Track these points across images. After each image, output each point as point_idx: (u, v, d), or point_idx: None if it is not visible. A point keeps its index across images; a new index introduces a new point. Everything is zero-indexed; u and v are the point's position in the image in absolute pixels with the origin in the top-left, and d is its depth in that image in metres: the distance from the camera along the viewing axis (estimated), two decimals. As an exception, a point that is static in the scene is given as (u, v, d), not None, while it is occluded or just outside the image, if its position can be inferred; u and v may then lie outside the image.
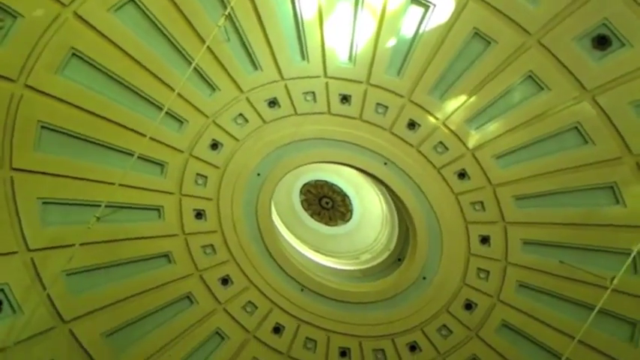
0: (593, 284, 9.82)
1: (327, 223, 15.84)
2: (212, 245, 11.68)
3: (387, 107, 10.78)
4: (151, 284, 10.88)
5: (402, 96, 10.51)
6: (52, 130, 8.87)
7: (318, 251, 15.15)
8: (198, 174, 11.07)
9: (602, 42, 8.15)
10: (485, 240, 11.29)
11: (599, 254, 9.83)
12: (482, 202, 11.04)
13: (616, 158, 9.03)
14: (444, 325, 12.00)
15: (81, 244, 8.86)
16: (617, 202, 9.36)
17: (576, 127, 9.23)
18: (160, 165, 10.57)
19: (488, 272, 11.42)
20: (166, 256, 11.18)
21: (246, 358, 11.86)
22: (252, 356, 11.94)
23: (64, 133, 9.03)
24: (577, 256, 10.08)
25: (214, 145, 10.93)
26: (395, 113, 10.81)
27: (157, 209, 10.87)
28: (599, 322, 9.56)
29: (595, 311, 8.33)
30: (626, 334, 9.79)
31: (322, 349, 12.28)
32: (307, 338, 12.31)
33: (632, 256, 8.46)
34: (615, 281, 8.31)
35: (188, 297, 11.51)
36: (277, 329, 12.22)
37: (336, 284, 12.97)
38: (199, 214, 11.36)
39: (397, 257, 13.63)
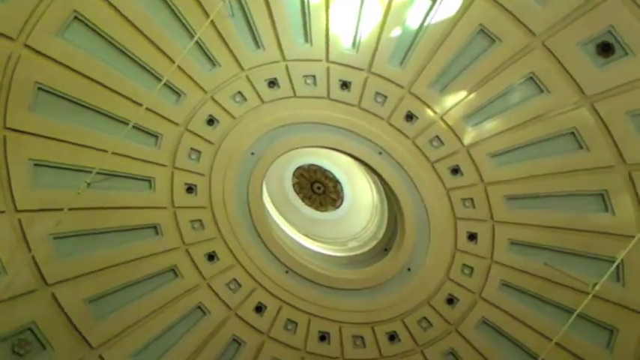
0: (575, 289, 9.93)
1: (317, 208, 15.86)
2: (200, 221, 11.68)
3: (386, 97, 10.76)
4: (137, 254, 10.87)
5: (402, 87, 10.49)
6: (49, 92, 8.79)
7: (306, 235, 15.18)
8: (192, 148, 11.03)
9: (606, 49, 8.14)
10: (472, 237, 11.36)
11: (583, 260, 9.92)
12: (472, 199, 11.10)
13: (609, 166, 9.07)
14: (425, 318, 12.10)
15: (70, 209, 8.82)
16: (607, 209, 9.42)
17: (573, 133, 9.25)
18: (155, 136, 10.51)
19: (472, 269, 11.51)
20: (154, 228, 11.17)
21: (225, 335, 11.91)
22: (232, 333, 11.98)
23: (60, 96, 8.96)
24: (562, 260, 10.16)
25: (210, 121, 10.89)
26: (393, 104, 10.80)
27: (149, 180, 10.84)
28: (578, 326, 9.65)
29: (575, 315, 8.41)
30: (603, 340, 9.91)
31: (302, 332, 12.37)
32: (288, 320, 12.39)
33: (616, 264, 8.52)
34: (597, 287, 8.38)
35: (173, 270, 11.51)
36: (259, 309, 12.28)
37: (322, 269, 13.03)
38: (190, 189, 11.35)
39: (384, 247, 13.67)
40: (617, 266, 8.96)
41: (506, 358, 11.18)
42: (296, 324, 12.40)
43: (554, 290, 10.36)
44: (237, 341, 12.01)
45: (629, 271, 9.27)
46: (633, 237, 8.24)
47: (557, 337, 8.96)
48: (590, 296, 8.54)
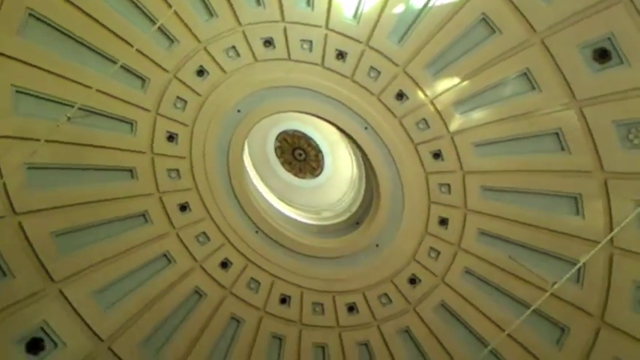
0: (534, 285, 10.22)
1: (296, 175, 15.88)
2: (178, 170, 11.63)
3: (380, 73, 10.75)
4: (110, 195, 10.80)
5: (397, 65, 10.48)
6: (40, 20, 8.56)
7: (281, 199, 15.23)
8: (178, 97, 10.91)
9: (603, 55, 8.19)
10: (443, 222, 11.55)
11: (547, 258, 10.16)
12: (449, 186, 11.25)
13: (587, 172, 9.23)
14: (386, 294, 12.35)
15: (47, 141, 8.66)
16: (577, 213, 9.62)
17: (557, 133, 9.37)
18: (142, 79, 10.35)
19: (439, 253, 11.74)
20: (130, 171, 11.08)
21: (188, 285, 11.96)
22: (195, 285, 12.05)
23: (51, 25, 8.73)
24: (526, 256, 10.41)
25: (200, 72, 10.75)
26: (386, 81, 10.79)
27: (131, 123, 10.71)
28: (532, 321, 9.96)
29: (530, 310, 8.64)
30: (554, 337, 10.21)
31: (264, 292, 12.52)
32: (252, 279, 12.52)
33: (578, 266, 8.75)
34: (556, 286, 8.60)
35: (144, 215, 11.46)
36: (225, 264, 12.36)
37: (292, 234, 13.14)
38: (171, 137, 11.26)
39: (356, 221, 13.81)
40: (579, 269, 9.22)
41: (459, 342, 11.48)
42: (259, 284, 12.54)
43: (515, 284, 10.63)
44: (199, 293, 12.09)
45: (589, 275, 9.52)
46: (598, 243, 8.45)
47: (511, 328, 9.24)
48: (547, 293, 8.77)
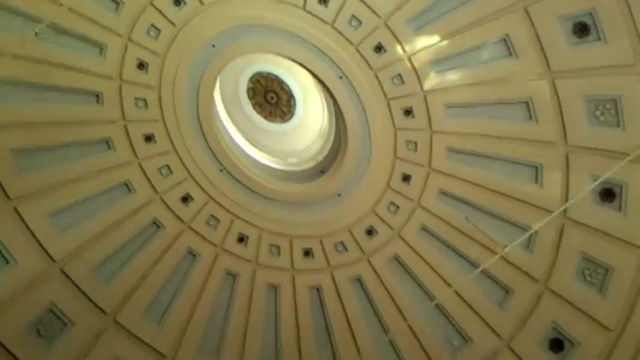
0: (486, 247, 10.60)
1: (266, 118, 15.69)
2: (145, 100, 11.42)
3: (360, 22, 10.63)
4: (74, 118, 10.62)
5: (379, 16, 10.37)
6: None
7: (248, 141, 15.10)
8: (152, 25, 10.60)
9: (582, 29, 8.28)
10: (406, 178, 11.77)
11: (502, 223, 10.53)
12: (416, 144, 11.40)
13: (551, 143, 9.48)
14: (342, 242, 12.60)
15: (12, 55, 8.34)
16: (536, 182, 9.95)
17: (527, 102, 9.55)
18: (116, 2, 10.02)
19: (398, 208, 12.00)
20: (97, 96, 10.84)
21: (147, 216, 11.88)
22: (154, 217, 11.98)
23: None
24: (482, 219, 10.75)
25: (177, 1, 10.43)
26: (367, 31, 10.70)
27: (100, 47, 10.42)
28: (479, 281, 10.44)
29: (479, 270, 9.02)
30: (498, 298, 10.67)
31: (223, 230, 12.59)
32: (212, 215, 12.54)
33: (529, 233, 9.11)
34: (506, 250, 8.95)
35: (107, 142, 11.27)
36: (185, 199, 12.33)
37: (256, 176, 13.18)
38: (142, 65, 10.99)
39: (321, 169, 13.86)
40: (530, 236, 9.57)
41: (407, 295, 11.86)
42: (218, 221, 12.58)
43: (467, 244, 11.01)
44: (157, 225, 12.03)
45: (540, 243, 9.93)
46: (552, 212, 8.78)
47: (458, 286, 9.64)
48: (498, 256, 9.15)
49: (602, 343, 9.11)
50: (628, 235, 8.77)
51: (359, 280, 12.49)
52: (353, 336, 11.99)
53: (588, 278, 9.38)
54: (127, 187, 11.70)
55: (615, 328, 9.00)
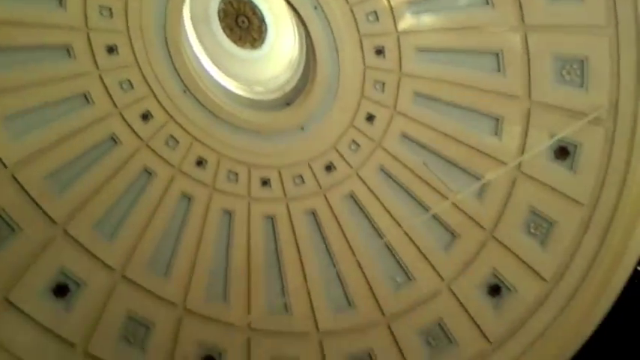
0: (439, 192, 10.88)
1: (235, 42, 15.26)
2: (110, 9, 10.91)
3: (340, -47, 10.33)
4: (34, 20, 10.05)
5: (360, -53, 10.09)
6: None
7: (214, 64, 14.72)
8: None
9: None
10: (370, 118, 11.83)
11: (457, 170, 10.83)
12: (384, 84, 11.40)
13: (515, 96, 9.64)
14: (300, 176, 12.68)
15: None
16: (495, 134, 10.20)
17: (497, 54, 9.63)
18: None
19: (359, 146, 12.12)
20: (59, 1, 10.28)
21: (104, 130, 11.54)
22: (112, 132, 11.66)
23: None
24: (439, 165, 11.02)
25: None
26: (347, -39, 10.42)
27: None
28: (429, 224, 10.76)
29: (430, 213, 9.30)
30: (445, 241, 11.09)
31: (182, 152, 12.40)
32: (171, 136, 12.32)
33: (482, 182, 9.40)
34: (458, 197, 9.24)
35: (67, 49, 10.79)
36: (146, 116, 12.02)
37: (220, 100, 12.97)
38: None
39: (287, 101, 13.71)
40: (482, 185, 9.87)
41: (358, 232, 12.14)
42: (178, 142, 12.39)
43: (422, 188, 11.29)
44: (114, 140, 11.73)
45: (491, 193, 10.29)
46: (507, 164, 9.04)
47: (408, 227, 9.90)
48: (448, 202, 9.43)
49: (536, 291, 9.67)
50: (575, 192, 9.16)
51: (313, 214, 12.67)
52: (302, 266, 12.21)
53: (532, 230, 9.82)
54: (86, 98, 11.28)
55: (551, 279, 9.53)
